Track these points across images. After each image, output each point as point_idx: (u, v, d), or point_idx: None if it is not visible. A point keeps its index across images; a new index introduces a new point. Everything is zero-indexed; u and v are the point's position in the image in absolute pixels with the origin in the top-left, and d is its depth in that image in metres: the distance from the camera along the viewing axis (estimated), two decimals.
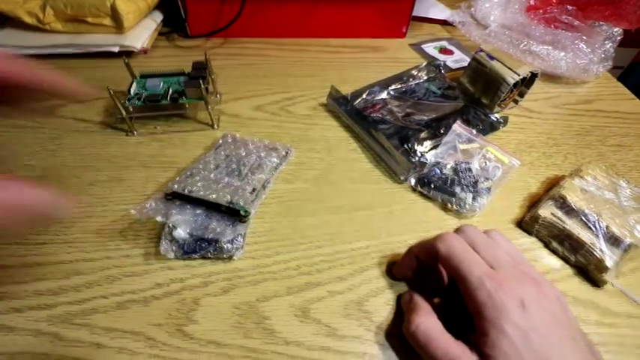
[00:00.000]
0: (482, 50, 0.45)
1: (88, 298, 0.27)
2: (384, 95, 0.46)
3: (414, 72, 0.49)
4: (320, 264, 0.30)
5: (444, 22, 0.63)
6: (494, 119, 0.43)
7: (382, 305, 0.28)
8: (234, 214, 0.30)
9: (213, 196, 0.30)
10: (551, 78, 0.52)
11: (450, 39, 0.59)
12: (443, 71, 0.49)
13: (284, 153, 0.38)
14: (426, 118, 0.42)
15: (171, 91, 0.41)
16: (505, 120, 0.44)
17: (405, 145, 0.39)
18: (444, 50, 0.57)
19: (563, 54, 0.50)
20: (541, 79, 0.51)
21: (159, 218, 0.29)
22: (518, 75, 0.42)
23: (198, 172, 0.33)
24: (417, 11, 0.59)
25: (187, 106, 0.41)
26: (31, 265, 0.29)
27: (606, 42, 0.51)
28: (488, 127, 0.43)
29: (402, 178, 0.37)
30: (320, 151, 0.40)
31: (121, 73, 0.42)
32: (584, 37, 0.51)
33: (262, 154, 0.36)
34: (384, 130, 0.40)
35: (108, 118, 0.42)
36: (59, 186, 0.35)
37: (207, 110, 0.40)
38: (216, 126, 0.41)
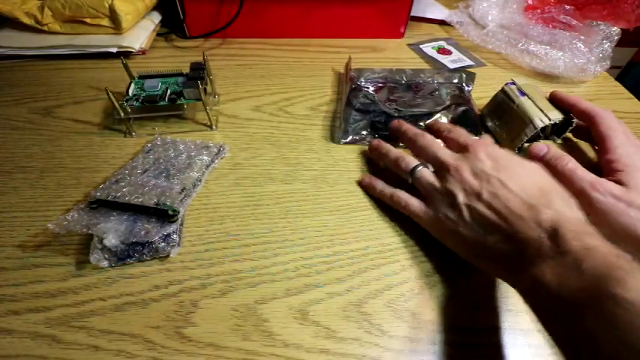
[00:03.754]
0: (513, 83, 0.40)
1: (86, 300, 0.27)
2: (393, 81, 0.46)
3: (436, 81, 0.46)
4: (319, 265, 0.30)
5: (441, 22, 0.63)
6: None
7: (381, 307, 0.28)
8: (163, 215, 0.30)
9: (140, 199, 0.30)
10: (549, 78, 0.52)
11: (448, 39, 0.59)
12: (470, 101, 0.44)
13: (216, 150, 0.37)
14: (413, 111, 0.42)
15: (169, 92, 0.40)
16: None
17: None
18: (441, 50, 0.57)
19: (560, 54, 0.50)
20: (538, 79, 0.51)
21: (79, 230, 0.28)
22: (549, 119, 0.36)
23: (124, 177, 0.33)
24: (415, 11, 0.59)
25: (185, 107, 0.41)
26: (29, 267, 0.29)
27: (604, 41, 0.51)
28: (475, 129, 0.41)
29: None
30: (318, 152, 0.40)
31: (119, 74, 0.42)
32: (582, 37, 0.51)
33: (192, 154, 0.36)
34: (366, 104, 0.42)
35: (106, 120, 0.42)
36: (58, 188, 0.34)
37: (205, 111, 0.40)
38: (214, 127, 0.41)
